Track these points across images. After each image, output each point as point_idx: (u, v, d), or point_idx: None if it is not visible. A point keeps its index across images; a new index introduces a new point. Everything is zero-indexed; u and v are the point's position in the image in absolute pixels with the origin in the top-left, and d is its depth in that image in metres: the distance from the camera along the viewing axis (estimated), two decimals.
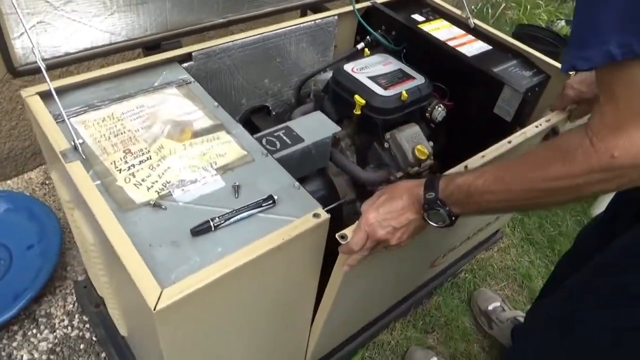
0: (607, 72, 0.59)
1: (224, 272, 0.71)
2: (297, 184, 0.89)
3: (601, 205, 2.00)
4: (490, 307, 1.56)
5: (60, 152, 0.87)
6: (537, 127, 1.10)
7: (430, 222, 0.78)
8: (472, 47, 1.38)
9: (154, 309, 0.66)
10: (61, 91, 1.00)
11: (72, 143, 0.88)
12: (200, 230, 0.78)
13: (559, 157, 0.64)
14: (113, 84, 1.06)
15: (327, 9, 1.49)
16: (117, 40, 1.10)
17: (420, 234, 0.83)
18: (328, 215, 0.82)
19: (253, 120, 1.41)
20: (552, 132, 1.15)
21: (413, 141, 1.22)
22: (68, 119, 0.93)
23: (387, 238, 0.78)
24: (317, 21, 1.40)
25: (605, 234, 1.04)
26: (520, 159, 0.70)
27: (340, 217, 1.27)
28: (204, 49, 1.18)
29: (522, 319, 1.48)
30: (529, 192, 0.68)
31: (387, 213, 0.78)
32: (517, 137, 1.06)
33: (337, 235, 0.79)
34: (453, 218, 0.76)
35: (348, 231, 0.81)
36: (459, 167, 0.96)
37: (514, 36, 2.78)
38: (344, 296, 0.98)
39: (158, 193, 0.84)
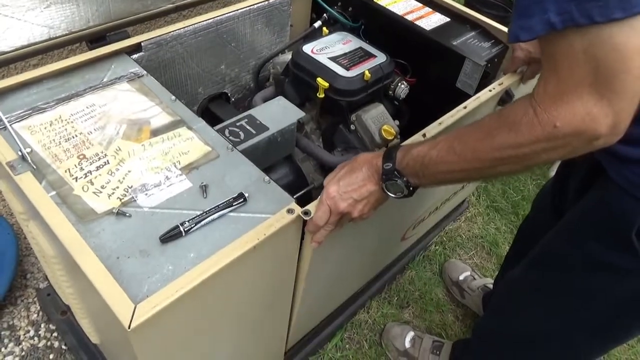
0: (549, 41, 0.58)
1: (200, 280, 0.68)
2: (267, 178, 0.86)
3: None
4: (461, 277, 1.59)
5: (6, 163, 0.80)
6: (490, 91, 1.11)
7: (389, 193, 0.78)
8: (430, 20, 1.36)
9: (129, 327, 0.62)
10: None
11: (19, 153, 0.81)
12: (170, 236, 0.74)
13: (505, 126, 0.64)
14: (57, 83, 0.99)
15: None
16: (56, 34, 1.02)
17: (385, 206, 0.83)
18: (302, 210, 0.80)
19: (212, 109, 1.36)
20: (506, 95, 1.17)
21: (379, 121, 1.20)
22: (10, 125, 0.86)
23: (349, 210, 0.78)
24: (270, 1, 1.34)
25: (557, 198, 1.07)
26: (470, 128, 0.70)
27: (311, 202, 1.25)
28: (153, 37, 1.11)
29: (491, 286, 1.53)
30: (479, 161, 0.68)
31: (347, 185, 0.78)
32: (472, 102, 1.07)
33: (300, 212, 0.78)
34: (411, 188, 0.76)
35: (311, 207, 0.80)
36: (418, 136, 0.96)
37: (466, 3, 2.79)
38: (316, 274, 0.97)
39: (120, 200, 0.79)
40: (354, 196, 0.78)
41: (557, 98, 0.58)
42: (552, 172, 2.09)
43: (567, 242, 0.88)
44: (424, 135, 0.96)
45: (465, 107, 1.05)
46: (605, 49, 0.54)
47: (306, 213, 0.78)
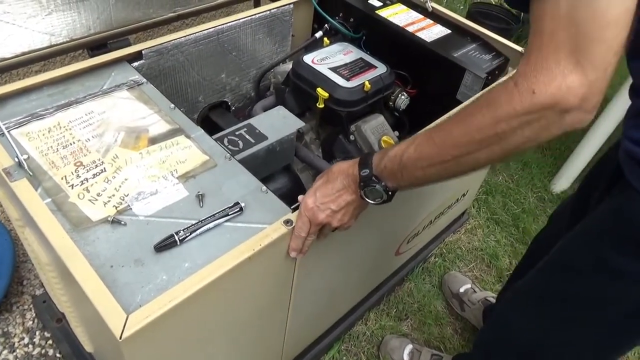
0: (538, 3, 0.59)
1: (194, 290, 0.68)
2: (264, 187, 0.86)
3: (561, 180, 2.06)
4: (461, 290, 1.58)
5: (2, 170, 0.80)
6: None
7: (368, 200, 0.77)
8: (431, 32, 1.36)
9: (120, 338, 0.61)
10: None
11: (16, 159, 0.81)
12: (165, 245, 0.74)
13: (484, 104, 0.64)
14: (57, 89, 0.99)
15: None
16: (57, 41, 1.02)
17: (372, 221, 0.83)
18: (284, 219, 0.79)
19: (212, 117, 1.36)
20: None
21: (379, 132, 1.20)
22: (8, 131, 0.86)
23: (329, 221, 0.78)
24: (272, 10, 1.35)
25: (578, 212, 1.06)
26: (449, 117, 0.69)
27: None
28: (154, 46, 1.11)
29: (492, 300, 1.51)
30: (457, 147, 0.67)
31: (324, 196, 0.78)
32: (455, 112, 1.06)
33: (282, 222, 0.79)
34: (390, 193, 0.76)
35: (293, 217, 0.80)
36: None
37: (468, 15, 2.80)
38: (304, 287, 0.97)
39: (116, 208, 0.78)
40: (332, 207, 0.78)
41: (538, 65, 0.58)
42: (554, 185, 2.08)
43: (580, 248, 0.87)
44: None
45: (450, 117, 1.05)
46: (586, 14, 0.55)
47: (287, 222, 0.79)
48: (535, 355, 1.00)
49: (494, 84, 0.66)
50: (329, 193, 0.78)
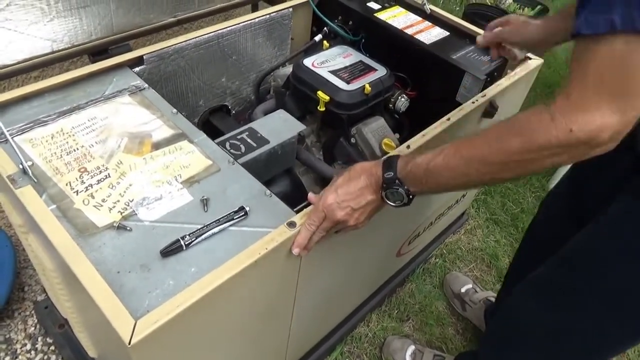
0: (593, 43, 0.59)
1: (201, 295, 0.68)
2: (268, 191, 0.86)
3: (558, 181, 2.07)
4: (463, 290, 1.58)
5: (7, 177, 0.80)
6: (473, 102, 1.12)
7: (388, 202, 0.78)
8: (430, 34, 1.37)
9: (129, 343, 0.62)
10: (0, 107, 0.93)
11: (20, 166, 0.81)
12: (171, 250, 0.74)
13: (516, 132, 0.65)
14: (59, 96, 0.99)
15: (281, 1, 1.44)
16: (59, 47, 1.03)
17: (374, 223, 0.84)
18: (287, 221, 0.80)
19: (212, 121, 1.36)
20: (490, 107, 1.18)
21: (379, 135, 1.21)
22: (12, 138, 0.86)
23: (346, 219, 0.79)
24: (271, 14, 1.35)
25: (574, 202, 1.07)
26: (479, 134, 0.71)
27: None
28: (155, 51, 1.12)
29: (494, 299, 1.52)
30: (485, 165, 0.69)
31: (345, 194, 0.78)
32: (455, 114, 1.08)
33: (285, 224, 0.79)
34: (410, 197, 0.77)
35: (297, 219, 0.80)
36: (402, 147, 0.98)
37: (464, 16, 2.82)
38: (307, 290, 0.97)
39: (121, 213, 0.79)
40: (352, 205, 0.78)
41: (579, 104, 0.60)
42: (551, 184, 2.09)
43: (607, 236, 0.88)
44: (408, 146, 0.98)
45: (449, 119, 1.06)
46: None
47: (291, 224, 0.79)
48: (551, 345, 1.00)
49: (525, 110, 0.67)
50: (351, 191, 0.78)
